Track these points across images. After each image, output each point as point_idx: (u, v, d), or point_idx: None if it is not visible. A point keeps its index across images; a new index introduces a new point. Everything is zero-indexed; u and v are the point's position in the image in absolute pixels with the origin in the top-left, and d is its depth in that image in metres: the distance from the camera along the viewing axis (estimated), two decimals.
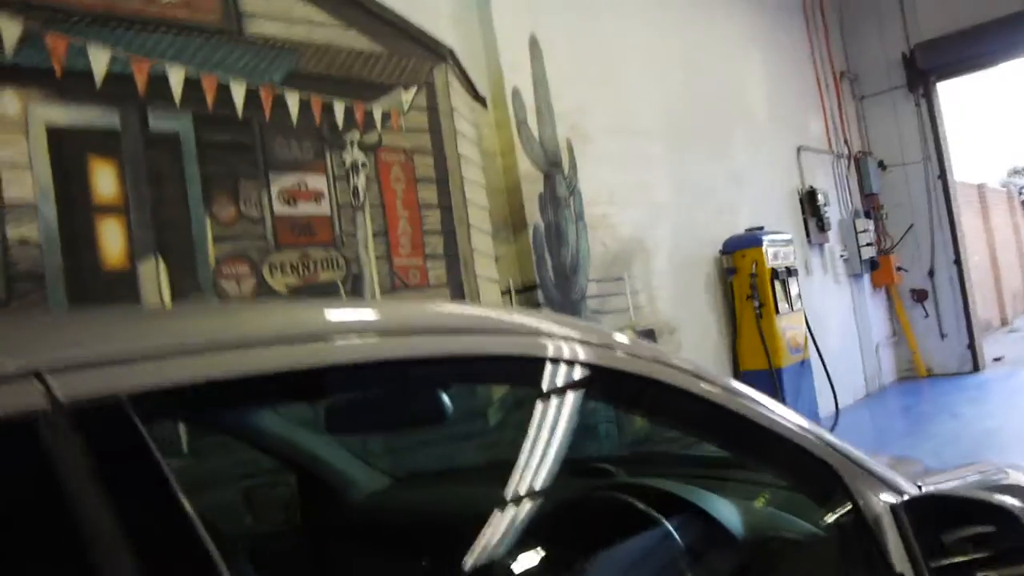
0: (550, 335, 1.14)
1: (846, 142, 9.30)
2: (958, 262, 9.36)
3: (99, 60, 3.06)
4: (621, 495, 1.48)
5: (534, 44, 5.01)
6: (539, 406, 1.21)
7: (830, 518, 1.29)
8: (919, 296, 9.53)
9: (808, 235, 8.12)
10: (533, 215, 4.75)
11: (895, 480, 1.32)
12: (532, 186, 4.79)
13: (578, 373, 1.17)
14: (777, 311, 6.36)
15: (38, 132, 2.94)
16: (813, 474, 1.30)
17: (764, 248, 6.38)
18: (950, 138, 9.54)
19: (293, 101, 3.69)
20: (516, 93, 4.79)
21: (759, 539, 1.37)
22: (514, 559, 1.31)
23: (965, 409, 7.60)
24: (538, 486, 1.29)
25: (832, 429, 4.62)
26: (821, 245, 8.33)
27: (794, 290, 6.63)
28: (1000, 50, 9.08)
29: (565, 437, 1.25)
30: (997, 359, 9.91)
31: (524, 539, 1.28)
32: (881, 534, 1.23)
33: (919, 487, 1.34)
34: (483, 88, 4.68)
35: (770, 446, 1.28)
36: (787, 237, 6.86)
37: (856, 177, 9.41)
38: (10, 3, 2.83)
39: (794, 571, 1.36)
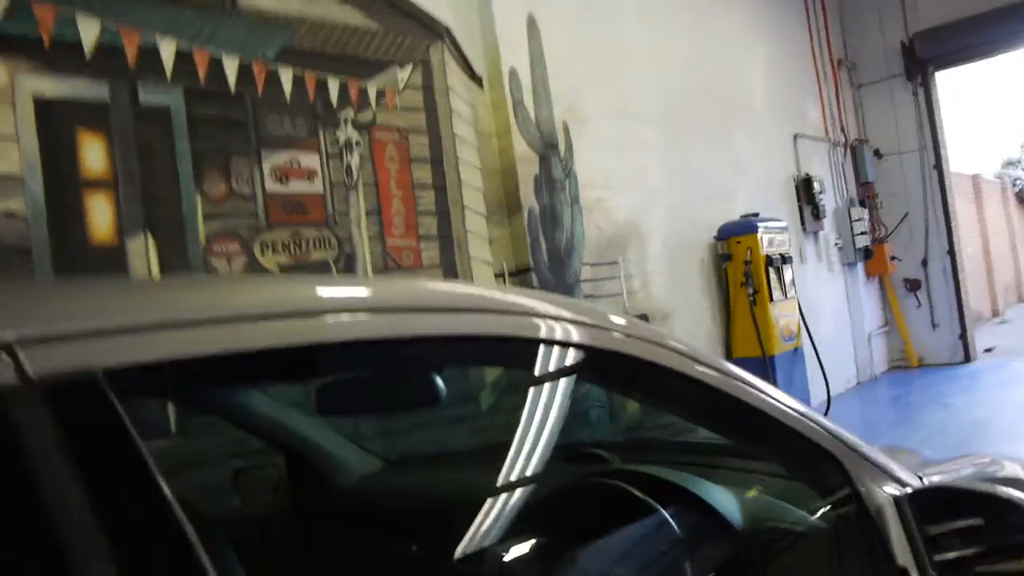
0: (545, 315, 1.11)
1: (843, 130, 9.27)
2: (952, 252, 9.37)
3: (88, 31, 3.00)
4: (616, 482, 1.45)
5: (532, 24, 4.95)
6: (533, 389, 1.17)
7: (831, 508, 1.27)
8: (912, 286, 9.54)
9: (803, 223, 8.11)
10: (528, 197, 4.71)
11: (898, 471, 1.29)
12: (527, 168, 4.75)
13: (574, 355, 1.14)
14: (771, 298, 6.35)
15: (25, 103, 2.88)
16: (814, 463, 1.27)
17: (759, 235, 6.36)
18: (948, 129, 9.53)
19: (287, 77, 3.64)
20: (513, 73, 4.74)
21: (757, 529, 1.34)
22: (507, 545, 1.28)
23: (955, 399, 7.62)
24: (531, 472, 1.27)
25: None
26: (816, 233, 8.32)
27: (788, 277, 6.61)
28: (1000, 39, 9.05)
29: (559, 421, 1.22)
30: (988, 350, 9.95)
31: (517, 525, 1.26)
32: (884, 526, 1.21)
33: (920, 479, 1.32)
34: (480, 68, 4.62)
35: (771, 433, 1.26)
36: (782, 224, 6.84)
37: (852, 165, 9.39)
38: None
39: (792, 562, 1.34)
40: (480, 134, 4.57)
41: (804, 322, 6.84)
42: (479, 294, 1.13)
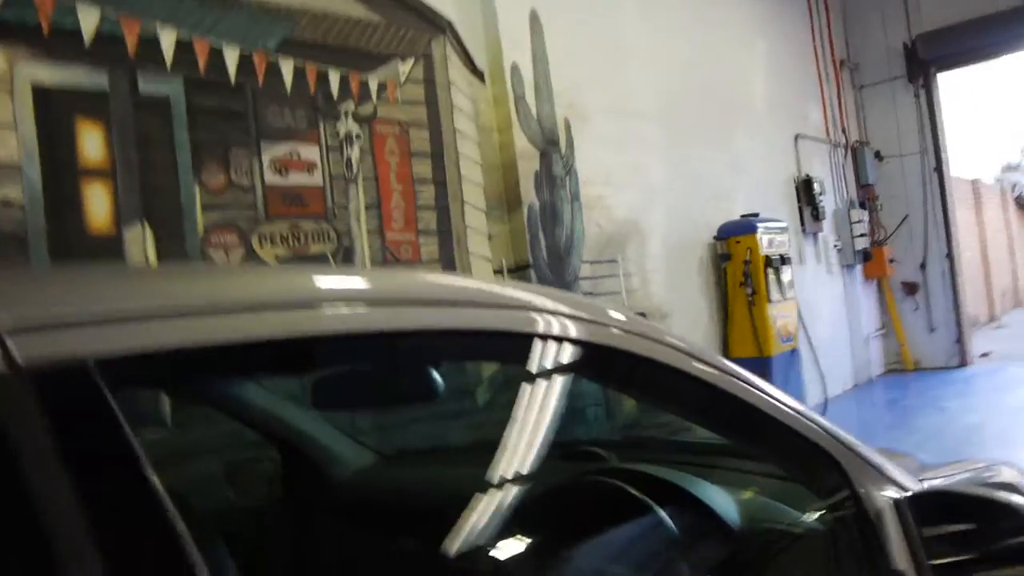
0: (543, 310, 1.09)
1: (844, 131, 9.25)
2: (950, 256, 9.36)
3: (88, 19, 2.98)
4: (613, 480, 1.44)
5: (534, 19, 4.93)
6: (529, 385, 1.16)
7: (829, 510, 1.26)
8: (910, 289, 9.53)
9: (803, 224, 8.10)
10: (528, 193, 4.70)
11: (897, 474, 1.28)
12: (528, 164, 4.73)
13: (572, 350, 1.12)
14: (769, 299, 6.34)
15: (23, 91, 2.86)
16: (813, 464, 1.26)
17: (759, 235, 6.35)
18: (949, 132, 9.51)
19: (287, 68, 3.62)
20: (515, 68, 4.72)
21: (754, 529, 1.33)
22: (501, 543, 1.27)
23: (950, 403, 7.62)
24: (527, 469, 1.25)
25: None
26: (815, 234, 8.31)
27: (787, 278, 6.60)
28: (1002, 42, 9.04)
29: (556, 418, 1.20)
30: (984, 355, 9.95)
31: (512, 522, 1.24)
32: (883, 529, 1.20)
33: (920, 482, 1.31)
34: (481, 63, 4.60)
35: (770, 433, 1.24)
36: (782, 225, 6.83)
37: (852, 167, 9.37)
38: None
39: (789, 564, 1.33)
40: (481, 129, 4.55)
41: (802, 323, 6.84)
42: (477, 288, 1.11)
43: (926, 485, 1.30)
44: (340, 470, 1.87)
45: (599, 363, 1.17)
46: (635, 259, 5.60)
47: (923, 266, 9.42)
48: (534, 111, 4.82)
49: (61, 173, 2.92)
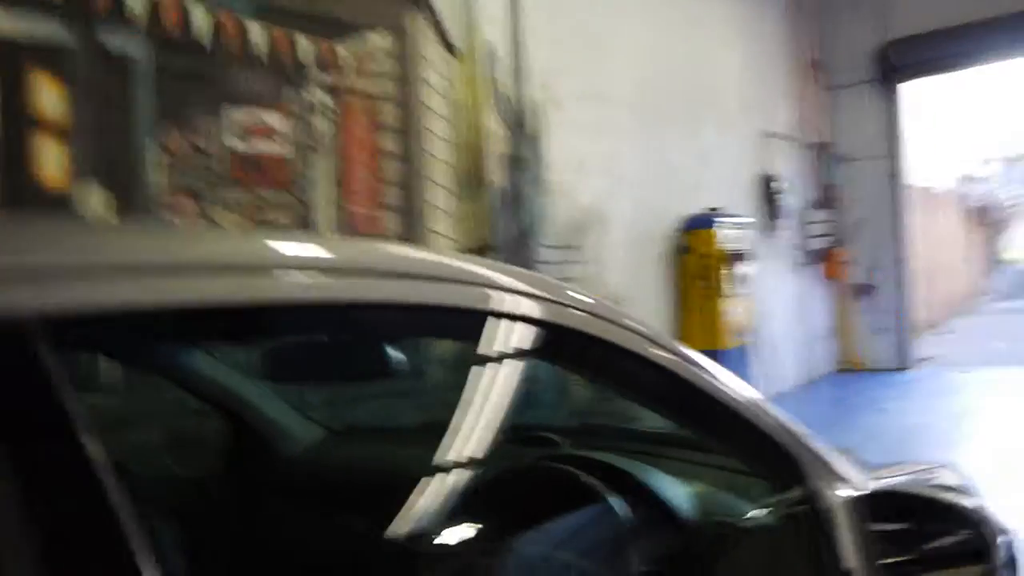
0: (502, 287, 1.06)
1: (811, 132, 9.35)
2: (902, 261, 9.55)
3: None
4: (565, 466, 1.43)
5: (513, 0, 4.88)
6: (482, 364, 1.12)
7: (783, 506, 1.26)
8: (862, 291, 9.71)
9: (763, 221, 8.18)
10: (495, 175, 4.66)
11: (851, 473, 1.29)
12: (497, 145, 4.70)
13: (530, 331, 1.09)
14: (724, 293, 6.41)
15: None
16: (769, 458, 1.26)
17: (718, 230, 6.41)
18: (909, 139, 9.67)
19: (256, 33, 3.53)
20: (491, 49, 4.67)
21: (707, 522, 1.33)
22: (451, 525, 1.25)
23: (892, 404, 7.80)
24: (479, 452, 1.23)
25: None
26: (775, 232, 8.41)
27: (743, 273, 6.67)
28: (972, 53, 9.18)
29: (510, 401, 1.18)
30: (927, 359, 10.19)
31: (462, 505, 1.22)
32: (834, 528, 1.20)
33: (872, 482, 1.32)
34: (458, 41, 4.54)
35: (727, 424, 1.24)
36: (742, 220, 6.90)
37: (817, 167, 9.49)
38: None
39: (740, 557, 1.33)
40: (452, 107, 4.50)
41: (756, 319, 6.92)
42: (436, 261, 1.08)
43: (878, 484, 1.31)
44: (288, 444, 1.83)
45: (558, 344, 1.15)
46: (597, 246, 5.60)
47: (876, 269, 9.60)
48: (507, 92, 4.78)
49: (15, 127, 2.82)
